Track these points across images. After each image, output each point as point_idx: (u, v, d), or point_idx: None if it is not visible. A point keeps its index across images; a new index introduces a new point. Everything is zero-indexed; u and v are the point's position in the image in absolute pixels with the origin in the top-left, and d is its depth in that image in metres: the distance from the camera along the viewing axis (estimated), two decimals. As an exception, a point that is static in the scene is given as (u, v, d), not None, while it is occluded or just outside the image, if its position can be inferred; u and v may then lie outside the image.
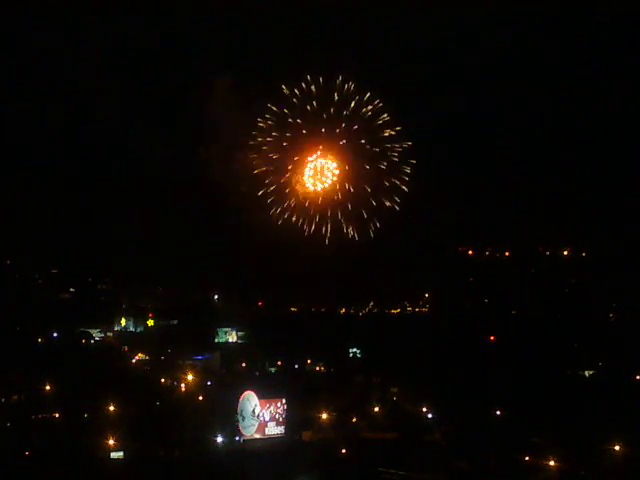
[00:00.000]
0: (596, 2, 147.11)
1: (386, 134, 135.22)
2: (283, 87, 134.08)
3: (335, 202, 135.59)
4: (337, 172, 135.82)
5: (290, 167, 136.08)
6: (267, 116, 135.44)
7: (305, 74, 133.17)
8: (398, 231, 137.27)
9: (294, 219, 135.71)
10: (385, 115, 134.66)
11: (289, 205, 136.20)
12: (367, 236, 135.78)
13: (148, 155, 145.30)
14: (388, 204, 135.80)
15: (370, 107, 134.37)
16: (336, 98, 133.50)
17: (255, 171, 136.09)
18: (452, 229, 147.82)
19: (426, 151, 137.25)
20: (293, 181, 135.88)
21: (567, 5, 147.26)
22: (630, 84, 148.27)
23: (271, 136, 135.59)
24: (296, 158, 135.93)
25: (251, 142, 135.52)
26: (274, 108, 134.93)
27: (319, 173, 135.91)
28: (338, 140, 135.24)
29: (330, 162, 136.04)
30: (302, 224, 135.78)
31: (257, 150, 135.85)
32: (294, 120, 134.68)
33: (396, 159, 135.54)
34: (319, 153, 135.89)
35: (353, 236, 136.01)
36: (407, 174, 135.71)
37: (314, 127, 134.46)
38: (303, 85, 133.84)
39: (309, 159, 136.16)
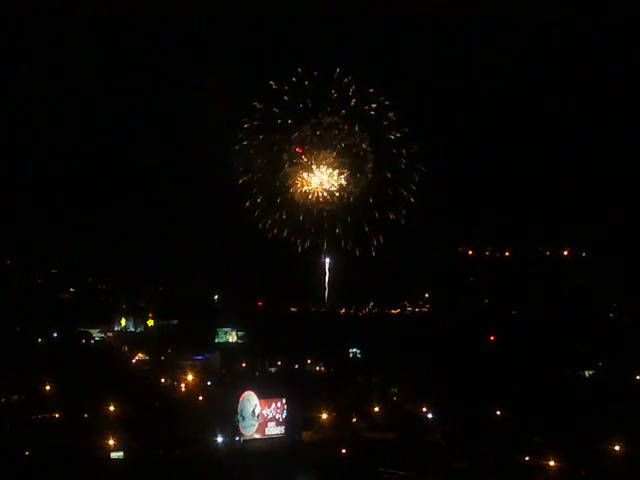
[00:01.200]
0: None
1: (392, 136, 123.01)
2: (271, 83, 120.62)
3: (332, 213, 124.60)
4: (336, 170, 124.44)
5: (281, 174, 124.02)
6: (255, 116, 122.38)
7: (297, 67, 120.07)
8: (401, 242, 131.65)
9: (285, 233, 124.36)
10: (391, 114, 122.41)
11: (280, 217, 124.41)
12: (368, 252, 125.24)
13: (148, 155, 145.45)
14: (392, 216, 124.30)
15: (374, 105, 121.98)
16: (334, 95, 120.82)
17: (240, 180, 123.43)
18: (452, 229, 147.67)
19: (429, 153, 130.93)
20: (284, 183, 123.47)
21: (567, 6, 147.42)
22: (630, 84, 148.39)
23: (258, 139, 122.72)
24: (287, 166, 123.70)
25: (236, 146, 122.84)
26: (259, 106, 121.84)
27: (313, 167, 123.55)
28: (335, 143, 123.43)
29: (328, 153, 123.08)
30: (295, 239, 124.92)
31: (243, 154, 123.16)
32: (285, 120, 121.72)
33: (403, 165, 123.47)
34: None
35: (353, 251, 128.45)
36: (414, 182, 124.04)
37: (308, 127, 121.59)
38: (295, 79, 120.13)
39: (297, 150, 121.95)
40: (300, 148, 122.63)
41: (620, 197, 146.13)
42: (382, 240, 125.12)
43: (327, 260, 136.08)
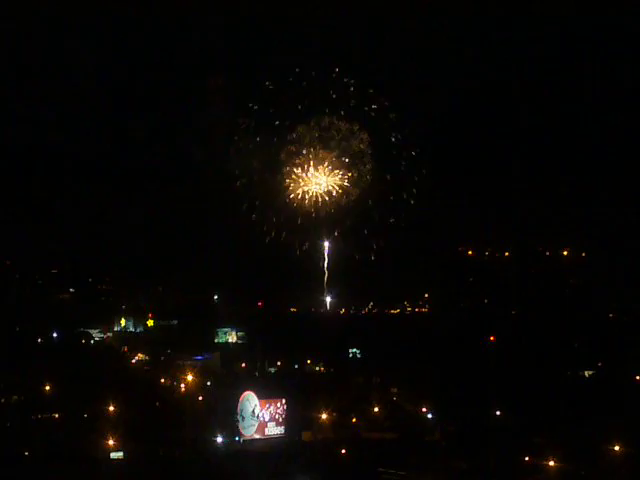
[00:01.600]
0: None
1: (392, 138, 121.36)
2: (268, 83, 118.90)
3: (331, 214, 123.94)
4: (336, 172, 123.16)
5: (279, 176, 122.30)
6: (252, 117, 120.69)
7: (295, 67, 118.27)
8: (401, 242, 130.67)
9: (284, 236, 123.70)
10: (392, 115, 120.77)
11: (278, 219, 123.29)
12: (368, 253, 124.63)
13: (148, 156, 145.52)
14: (392, 217, 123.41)
15: (374, 106, 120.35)
16: (332, 95, 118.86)
17: (238, 182, 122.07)
18: (452, 229, 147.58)
19: (429, 153, 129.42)
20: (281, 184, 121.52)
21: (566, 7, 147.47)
22: (631, 84, 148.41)
23: (255, 140, 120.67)
24: (285, 167, 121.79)
25: (234, 148, 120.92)
26: (256, 107, 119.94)
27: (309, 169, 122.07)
28: (333, 145, 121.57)
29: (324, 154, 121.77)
30: (293, 241, 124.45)
31: (241, 156, 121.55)
32: (282, 121, 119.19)
33: (402, 167, 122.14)
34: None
35: (352, 252, 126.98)
36: (414, 184, 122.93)
37: (305, 129, 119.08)
38: (292, 80, 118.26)
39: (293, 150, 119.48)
40: (297, 148, 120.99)
41: (620, 197, 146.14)
42: (382, 242, 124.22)
43: (325, 261, 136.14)
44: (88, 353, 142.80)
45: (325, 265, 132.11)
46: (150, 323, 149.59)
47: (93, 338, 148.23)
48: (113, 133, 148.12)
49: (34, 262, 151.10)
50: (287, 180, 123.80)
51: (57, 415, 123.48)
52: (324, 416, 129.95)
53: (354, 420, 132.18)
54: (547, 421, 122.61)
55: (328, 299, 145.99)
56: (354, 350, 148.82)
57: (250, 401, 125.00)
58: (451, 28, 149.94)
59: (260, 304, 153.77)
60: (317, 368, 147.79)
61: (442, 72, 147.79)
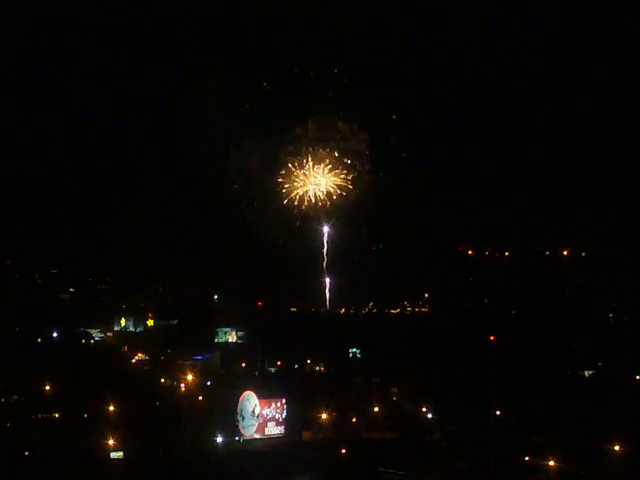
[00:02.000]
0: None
1: (391, 138, 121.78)
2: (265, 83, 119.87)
3: (330, 215, 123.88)
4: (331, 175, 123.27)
5: (277, 176, 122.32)
6: (250, 117, 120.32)
7: (292, 65, 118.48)
8: (401, 241, 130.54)
9: (282, 238, 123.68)
10: (392, 115, 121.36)
11: (278, 220, 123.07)
12: (367, 253, 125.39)
13: (147, 156, 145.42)
14: (391, 217, 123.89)
15: (373, 106, 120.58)
16: (331, 95, 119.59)
17: (235, 184, 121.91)
18: (452, 229, 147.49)
19: (429, 153, 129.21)
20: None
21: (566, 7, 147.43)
22: (630, 86, 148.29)
23: (253, 141, 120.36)
24: (286, 168, 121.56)
25: (232, 148, 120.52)
26: (254, 107, 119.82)
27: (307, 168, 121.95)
28: (331, 148, 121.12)
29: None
30: (292, 242, 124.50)
31: (238, 157, 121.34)
32: (281, 121, 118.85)
33: (402, 167, 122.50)
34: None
35: (352, 255, 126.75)
36: (414, 184, 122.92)
37: (305, 128, 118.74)
38: (292, 80, 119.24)
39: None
40: (296, 148, 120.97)
41: (620, 197, 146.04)
42: (381, 242, 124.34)
43: (325, 261, 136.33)
44: (88, 353, 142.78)
45: (324, 265, 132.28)
46: (150, 323, 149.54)
47: (93, 338, 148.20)
48: (112, 133, 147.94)
49: (34, 262, 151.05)
50: (286, 180, 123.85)
51: (57, 415, 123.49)
52: (324, 416, 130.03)
53: (354, 420, 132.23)
54: (547, 421, 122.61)
55: (328, 299, 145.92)
56: (354, 350, 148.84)
57: (250, 401, 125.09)
58: (451, 28, 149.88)
59: (260, 304, 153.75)
60: (317, 368, 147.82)
61: (442, 72, 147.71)
